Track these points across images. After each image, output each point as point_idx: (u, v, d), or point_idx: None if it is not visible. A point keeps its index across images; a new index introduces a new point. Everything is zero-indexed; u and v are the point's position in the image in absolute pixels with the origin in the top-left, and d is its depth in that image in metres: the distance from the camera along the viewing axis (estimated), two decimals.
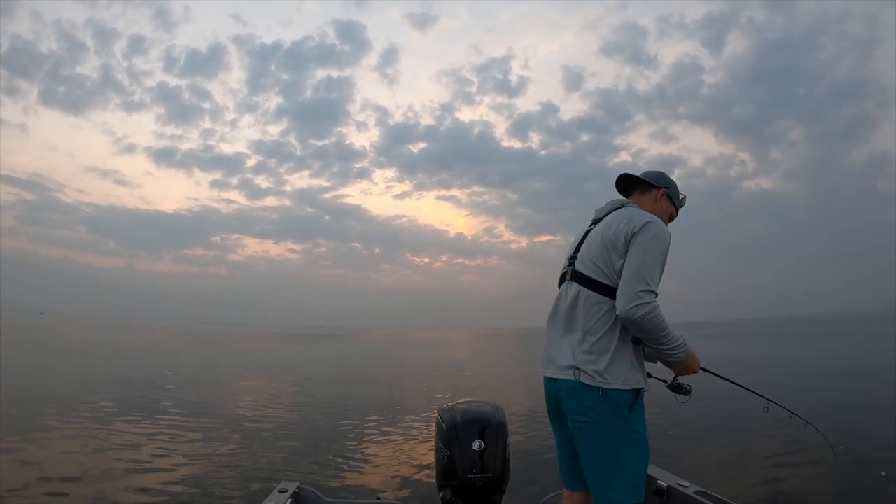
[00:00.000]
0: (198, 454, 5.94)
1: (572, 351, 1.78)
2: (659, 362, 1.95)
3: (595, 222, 1.94)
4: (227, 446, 6.36)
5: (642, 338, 1.73)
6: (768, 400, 2.17)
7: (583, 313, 1.79)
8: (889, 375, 12.13)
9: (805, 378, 12.59)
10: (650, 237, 1.72)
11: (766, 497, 4.56)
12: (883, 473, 5.01)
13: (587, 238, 1.90)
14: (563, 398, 1.80)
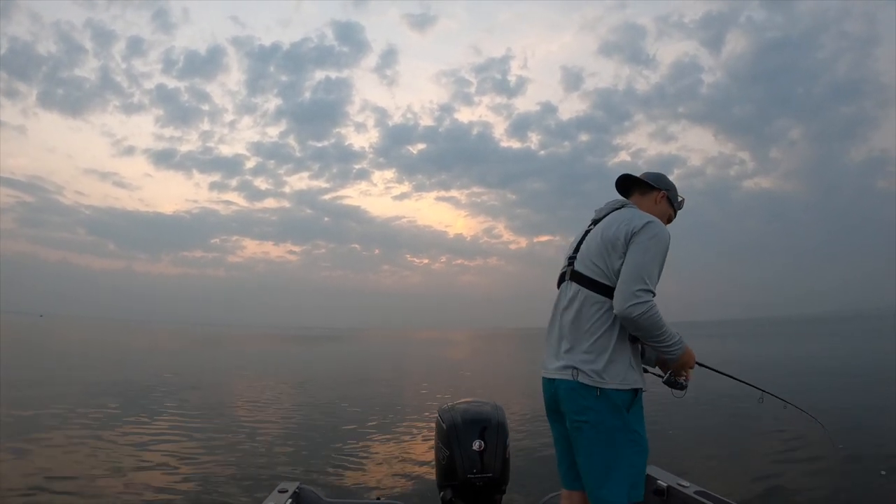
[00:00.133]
0: (198, 455, 5.94)
1: (571, 351, 1.79)
2: (657, 367, 1.96)
3: (594, 222, 1.94)
4: (228, 447, 6.36)
5: (639, 336, 1.73)
6: (763, 391, 2.19)
7: (581, 313, 1.79)
8: (889, 375, 12.14)
9: (804, 378, 12.60)
10: (649, 237, 1.73)
11: (766, 497, 4.55)
12: (882, 472, 5.01)
13: (587, 238, 1.91)
14: (561, 398, 1.81)
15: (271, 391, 11.96)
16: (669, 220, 2.03)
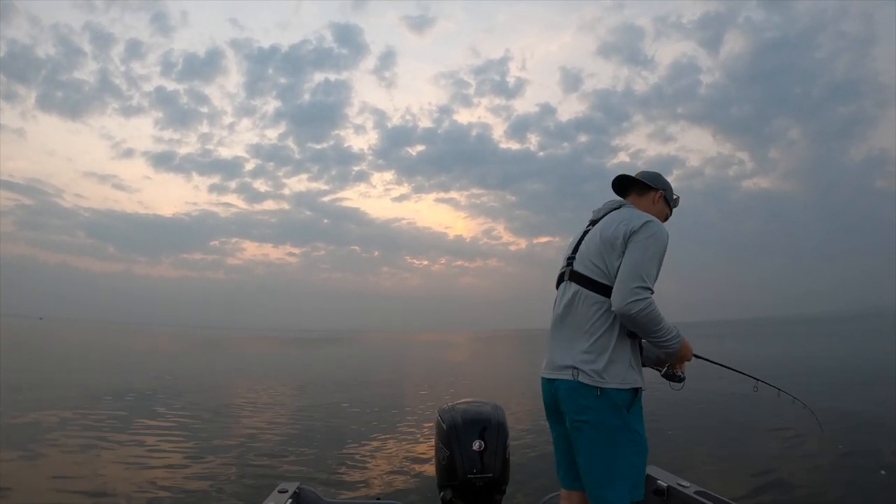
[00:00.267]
0: (198, 456, 5.94)
1: (570, 351, 1.79)
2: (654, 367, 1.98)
3: (593, 223, 1.95)
4: (228, 447, 6.36)
5: (638, 332, 1.74)
6: (757, 380, 2.24)
7: (581, 313, 1.80)
8: (888, 375, 12.14)
9: (804, 378, 12.59)
10: (648, 236, 1.74)
11: (766, 496, 4.55)
12: (882, 472, 5.02)
13: (585, 238, 1.92)
14: (561, 398, 1.81)
15: (271, 393, 11.95)
16: (665, 219, 2.05)
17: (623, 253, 1.74)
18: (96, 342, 39.87)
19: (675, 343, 1.76)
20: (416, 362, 25.81)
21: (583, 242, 1.91)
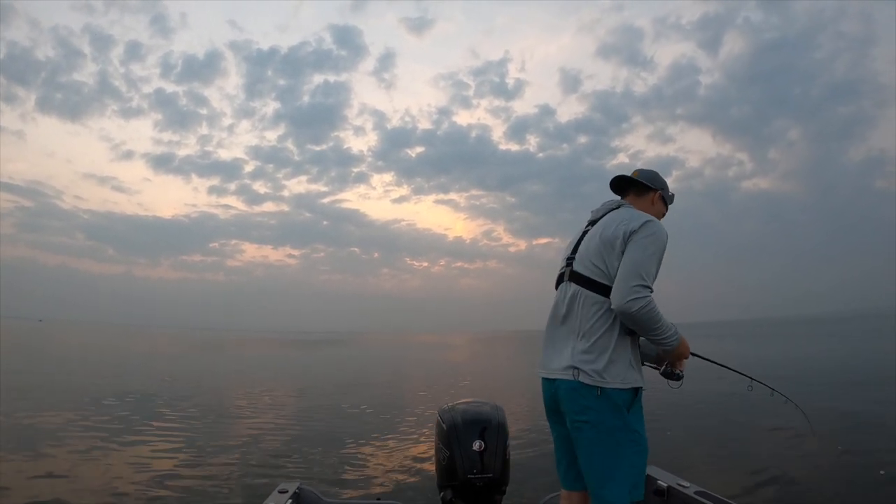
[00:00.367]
0: (198, 456, 5.95)
1: (571, 351, 1.79)
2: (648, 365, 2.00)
3: (592, 223, 1.95)
4: (228, 448, 6.37)
5: (637, 330, 1.75)
6: (751, 378, 2.26)
7: (581, 313, 1.80)
8: (888, 375, 12.13)
9: (804, 378, 12.59)
10: (647, 235, 1.75)
11: (766, 497, 4.56)
12: (882, 472, 5.02)
13: (585, 239, 1.92)
14: (561, 398, 1.81)
15: (271, 395, 11.94)
16: (661, 217, 2.06)
17: (623, 253, 1.75)
18: (96, 344, 39.82)
19: (673, 341, 1.76)
20: (416, 363, 25.79)
21: (582, 243, 1.92)
